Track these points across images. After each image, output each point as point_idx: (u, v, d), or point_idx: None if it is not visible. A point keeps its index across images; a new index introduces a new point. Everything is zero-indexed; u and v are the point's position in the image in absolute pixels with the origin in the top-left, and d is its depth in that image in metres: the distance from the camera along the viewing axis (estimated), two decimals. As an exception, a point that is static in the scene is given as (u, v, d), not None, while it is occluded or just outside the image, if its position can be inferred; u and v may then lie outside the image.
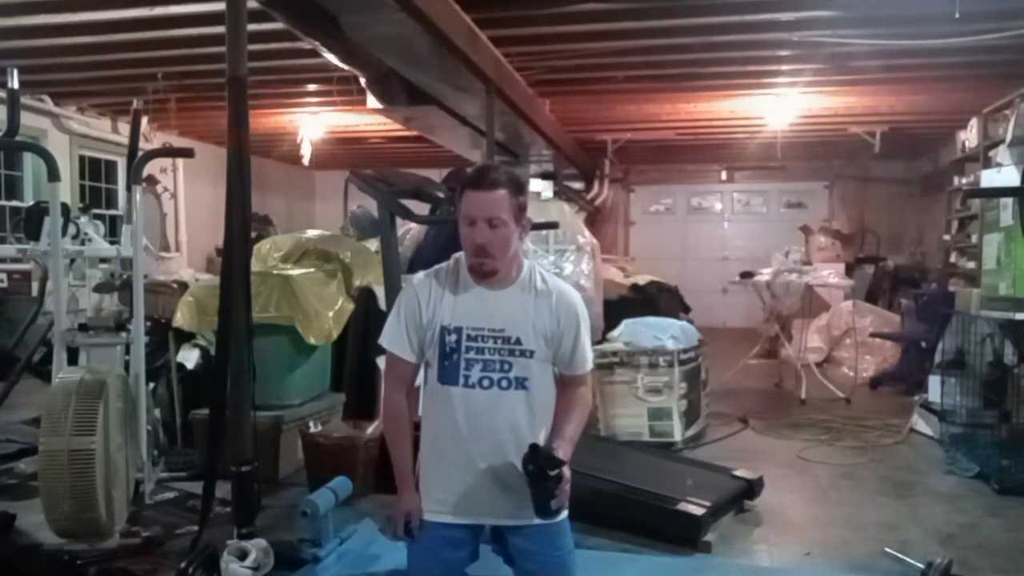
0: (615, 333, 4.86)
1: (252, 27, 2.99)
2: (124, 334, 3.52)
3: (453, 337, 2.19)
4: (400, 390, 2.29)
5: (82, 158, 8.40)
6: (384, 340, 2.28)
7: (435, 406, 2.26)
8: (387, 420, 2.35)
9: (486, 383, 2.18)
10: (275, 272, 4.28)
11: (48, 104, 7.70)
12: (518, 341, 2.19)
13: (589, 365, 2.32)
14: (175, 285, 5.73)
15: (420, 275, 2.30)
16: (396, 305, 2.31)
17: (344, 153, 10.37)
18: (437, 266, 2.31)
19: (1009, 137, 6.01)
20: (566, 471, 2.08)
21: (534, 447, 2.07)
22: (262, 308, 3.87)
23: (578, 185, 10.85)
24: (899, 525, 3.36)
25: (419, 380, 2.36)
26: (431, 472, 2.27)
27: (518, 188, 2.20)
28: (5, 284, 5.81)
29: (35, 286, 5.00)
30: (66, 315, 3.68)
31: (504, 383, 2.19)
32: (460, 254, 2.28)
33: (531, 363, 2.20)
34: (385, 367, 2.37)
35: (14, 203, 7.43)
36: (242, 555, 2.65)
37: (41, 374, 4.52)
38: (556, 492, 2.07)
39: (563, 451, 2.11)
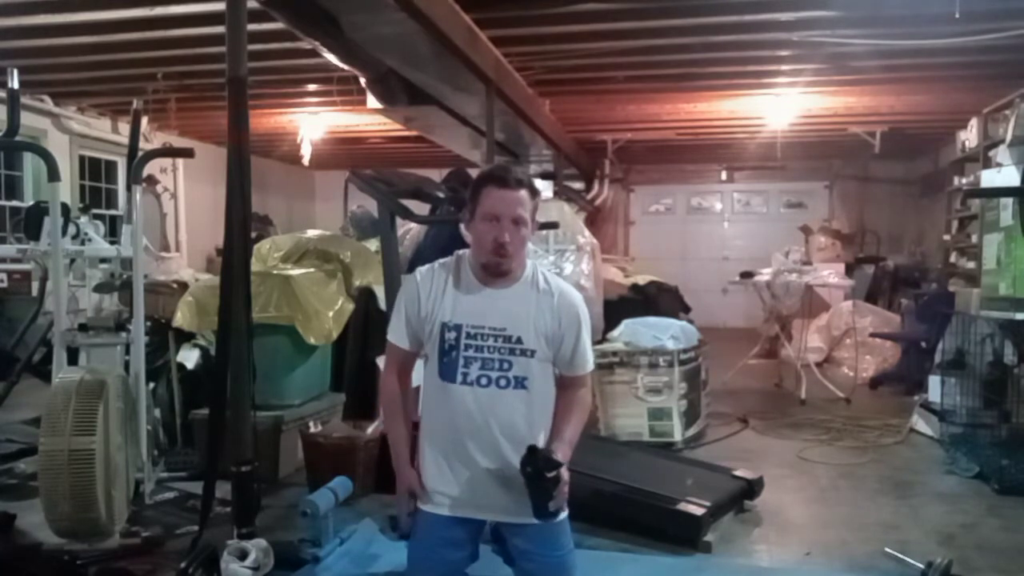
0: (615, 333, 4.86)
1: (252, 27, 2.99)
2: (124, 334, 3.52)
3: (452, 334, 2.19)
4: (394, 372, 2.32)
5: (82, 158, 8.40)
6: (388, 332, 2.32)
7: (434, 402, 2.26)
8: (382, 401, 2.42)
9: (484, 381, 2.18)
10: (275, 272, 4.28)
11: (48, 104, 7.69)
12: (519, 340, 2.19)
13: (589, 366, 2.32)
14: (175, 285, 5.71)
15: (423, 268, 2.31)
16: (399, 295, 2.34)
17: (344, 153, 10.37)
18: (440, 260, 2.31)
19: (1009, 137, 6.01)
20: (564, 473, 2.07)
21: (532, 449, 2.07)
22: (262, 308, 3.87)
23: (578, 185, 10.85)
24: (899, 525, 3.36)
25: (418, 380, 2.36)
26: (430, 467, 2.27)
27: (534, 189, 2.26)
28: (5, 284, 5.80)
29: (35, 286, 5.00)
30: (66, 315, 3.68)
31: (502, 382, 2.18)
32: (463, 251, 2.28)
33: (531, 363, 2.20)
34: (385, 352, 2.39)
35: (14, 203, 7.43)
36: (242, 555, 2.65)
37: (41, 374, 4.52)
38: (554, 494, 2.06)
39: (562, 453, 2.10)
